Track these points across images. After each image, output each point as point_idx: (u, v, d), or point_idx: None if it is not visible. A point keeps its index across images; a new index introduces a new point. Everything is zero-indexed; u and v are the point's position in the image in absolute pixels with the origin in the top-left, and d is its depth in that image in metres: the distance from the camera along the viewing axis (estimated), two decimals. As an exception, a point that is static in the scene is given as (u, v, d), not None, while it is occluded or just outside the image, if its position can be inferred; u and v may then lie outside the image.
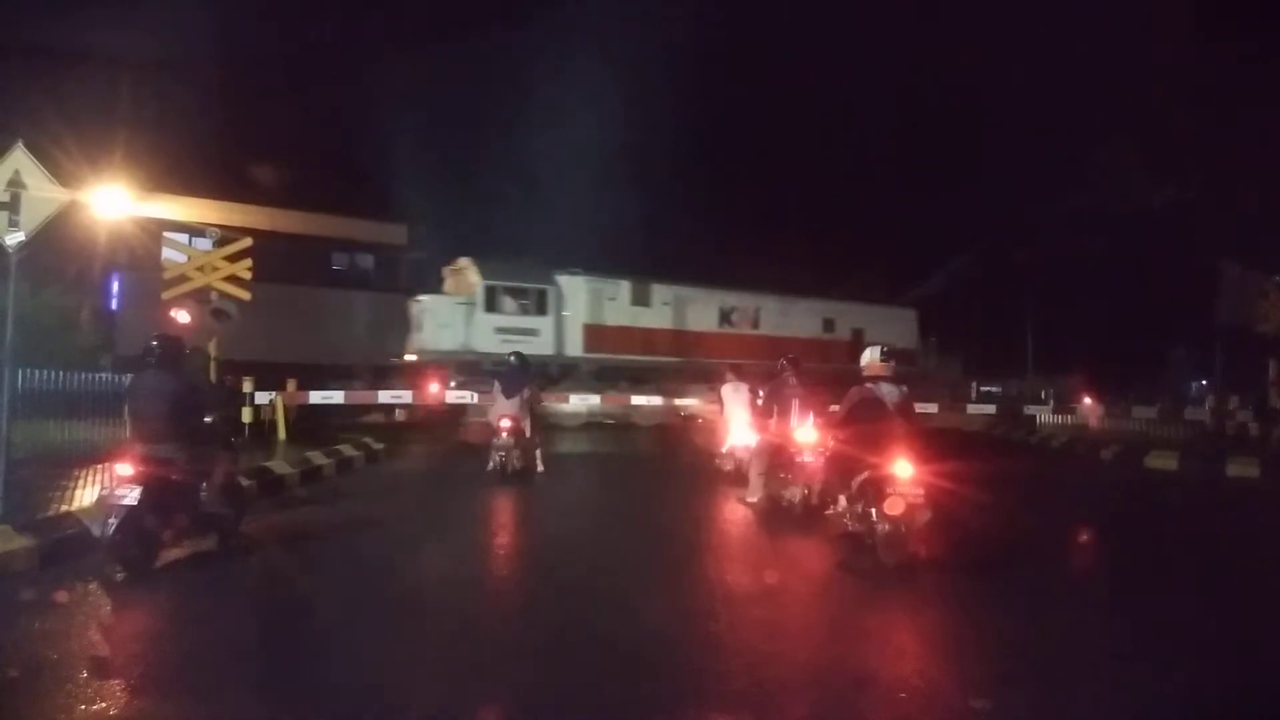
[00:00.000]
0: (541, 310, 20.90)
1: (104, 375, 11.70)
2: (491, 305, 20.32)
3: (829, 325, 25.14)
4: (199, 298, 13.20)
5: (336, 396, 16.17)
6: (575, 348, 21.23)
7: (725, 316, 23.52)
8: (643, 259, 23.94)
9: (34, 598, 5.36)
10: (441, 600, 5.88)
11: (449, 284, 21.45)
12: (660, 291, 22.50)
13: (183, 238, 15.22)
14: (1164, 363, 31.64)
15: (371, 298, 21.99)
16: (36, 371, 9.76)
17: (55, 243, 11.18)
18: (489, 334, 19.97)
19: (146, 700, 3.99)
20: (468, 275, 20.66)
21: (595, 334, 21.38)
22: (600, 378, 20.50)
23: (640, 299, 22.20)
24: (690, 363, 20.42)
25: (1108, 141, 27.55)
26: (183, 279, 13.23)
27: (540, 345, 20.11)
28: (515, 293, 20.72)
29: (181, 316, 12.92)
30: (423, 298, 20.50)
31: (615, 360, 21.25)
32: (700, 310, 23.09)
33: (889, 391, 6.90)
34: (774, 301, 24.37)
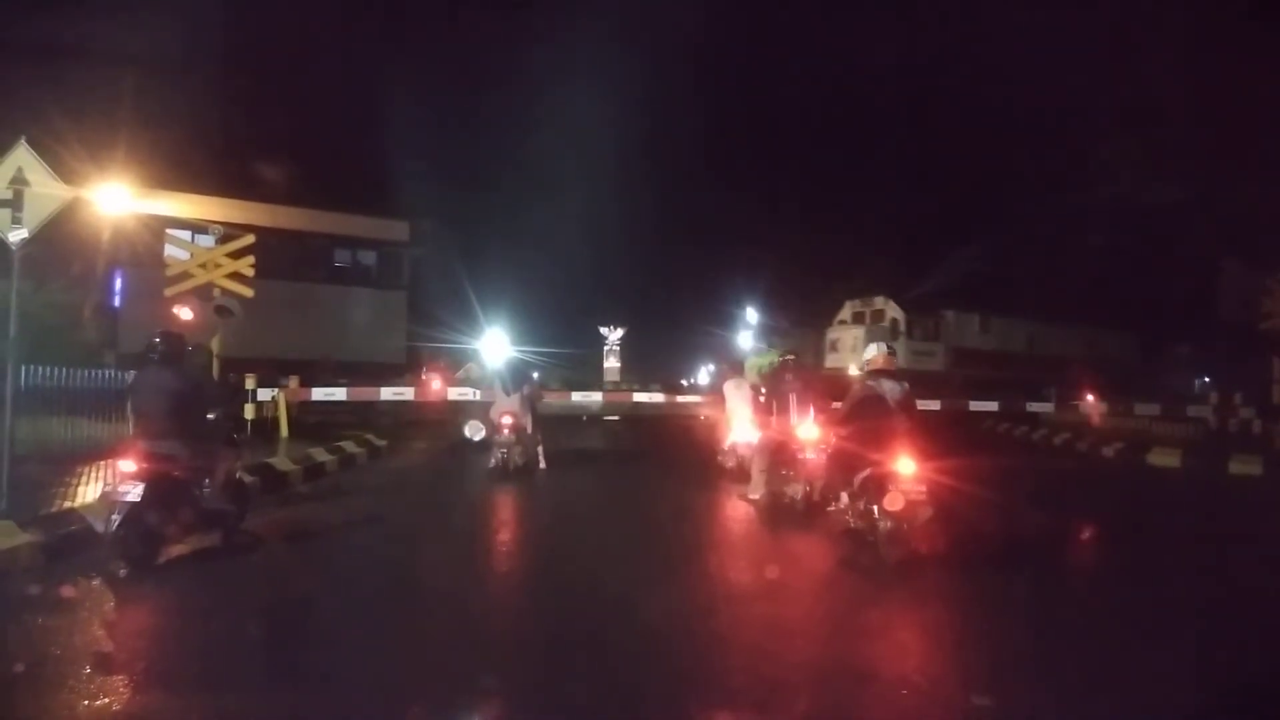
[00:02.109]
0: (936, 337, 26.38)
1: (107, 372, 11.73)
2: (910, 333, 25.66)
3: (1089, 346, 29.81)
4: (202, 294, 13.20)
5: (339, 393, 16.19)
6: (950, 366, 26.36)
7: (1030, 340, 28.55)
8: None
9: (38, 594, 5.37)
10: (443, 596, 5.88)
11: (850, 313, 26.98)
12: (995, 322, 27.81)
13: (185, 234, 15.26)
14: (1167, 360, 31.63)
15: (374, 294, 22.02)
16: (39, 368, 9.78)
17: (58, 240, 11.21)
18: (909, 355, 24.68)
19: (150, 695, 4.00)
20: (886, 310, 26.07)
21: (959, 354, 26.64)
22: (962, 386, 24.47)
23: (984, 328, 27.56)
24: (1007, 375, 25.18)
25: (1111, 138, 27.56)
26: (185, 276, 13.23)
27: (933, 363, 25.54)
28: (922, 323, 26.21)
29: (184, 313, 12.92)
30: (849, 327, 26.38)
31: (970, 374, 25.95)
32: (1016, 336, 28.21)
33: (891, 388, 6.90)
34: (1059, 328, 29.44)
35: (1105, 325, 31.14)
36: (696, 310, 46.85)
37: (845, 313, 27.42)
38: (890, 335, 24.97)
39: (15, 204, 6.99)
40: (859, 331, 25.78)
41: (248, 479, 8.66)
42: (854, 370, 23.52)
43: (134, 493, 6.01)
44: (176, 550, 6.56)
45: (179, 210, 17.53)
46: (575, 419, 21.56)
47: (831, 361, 26.06)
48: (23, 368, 8.32)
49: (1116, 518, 9.64)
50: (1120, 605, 5.84)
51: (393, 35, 45.03)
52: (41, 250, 8.01)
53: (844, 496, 7.14)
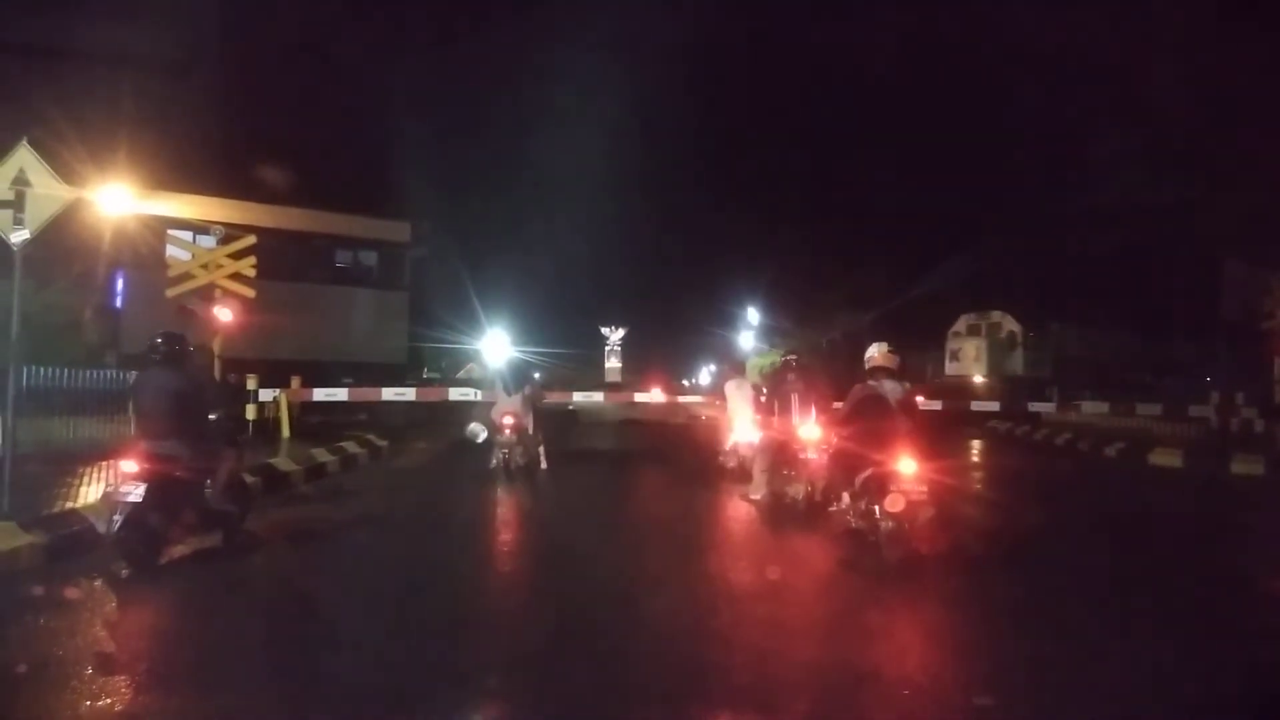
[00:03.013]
0: (1043, 348, 29.18)
1: (108, 373, 11.74)
2: (1025, 344, 28.68)
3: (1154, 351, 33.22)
4: (203, 295, 13.22)
5: (340, 393, 16.20)
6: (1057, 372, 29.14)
7: (1092, 346, 31.64)
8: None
9: (40, 594, 5.37)
10: (445, 596, 5.89)
11: (965, 326, 29.95)
12: (1081, 329, 31.16)
13: (187, 235, 15.28)
14: (1169, 359, 31.77)
15: (375, 295, 22.04)
16: (41, 369, 9.79)
17: (60, 241, 11.21)
18: (1024, 362, 28.45)
19: (152, 696, 4.00)
20: (1003, 323, 29.16)
21: (1062, 362, 29.62)
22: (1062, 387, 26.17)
23: (1075, 337, 30.71)
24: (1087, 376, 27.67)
25: (1113, 138, 27.61)
26: (187, 276, 13.24)
27: (1040, 368, 28.52)
28: (1034, 336, 28.94)
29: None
30: (966, 338, 29.53)
31: (1077, 379, 28.16)
32: (1091, 344, 31.28)
33: (892, 389, 6.90)
34: (1115, 333, 32.71)
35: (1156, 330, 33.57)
36: (698, 310, 46.92)
37: (960, 325, 30.39)
38: (1009, 346, 28.75)
39: (17, 205, 6.99)
40: (980, 342, 29.06)
41: (249, 479, 8.67)
42: (978, 378, 27.90)
43: (136, 493, 6.01)
44: (178, 551, 6.56)
45: (180, 211, 17.53)
46: (576, 419, 21.57)
47: (952, 370, 29.52)
48: (25, 368, 8.33)
49: (1118, 518, 9.64)
50: (1121, 605, 5.83)
51: (394, 36, 45.08)
52: (43, 251, 8.00)
53: (845, 496, 7.13)
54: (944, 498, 6.67)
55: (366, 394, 16.90)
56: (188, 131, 19.78)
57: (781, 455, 9.42)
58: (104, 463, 9.13)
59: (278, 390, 14.68)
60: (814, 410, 9.11)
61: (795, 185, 51.82)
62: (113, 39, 19.36)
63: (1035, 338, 28.79)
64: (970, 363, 28.94)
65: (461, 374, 24.68)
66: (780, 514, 8.89)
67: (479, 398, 16.16)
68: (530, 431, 11.75)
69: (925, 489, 6.38)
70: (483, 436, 12.25)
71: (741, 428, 11.17)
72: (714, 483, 11.11)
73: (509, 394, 11.69)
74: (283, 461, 11.05)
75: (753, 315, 42.73)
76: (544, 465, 12.03)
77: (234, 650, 4.67)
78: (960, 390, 25.69)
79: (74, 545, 6.48)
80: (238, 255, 13.38)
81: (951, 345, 30.41)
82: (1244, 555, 7.68)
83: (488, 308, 26.69)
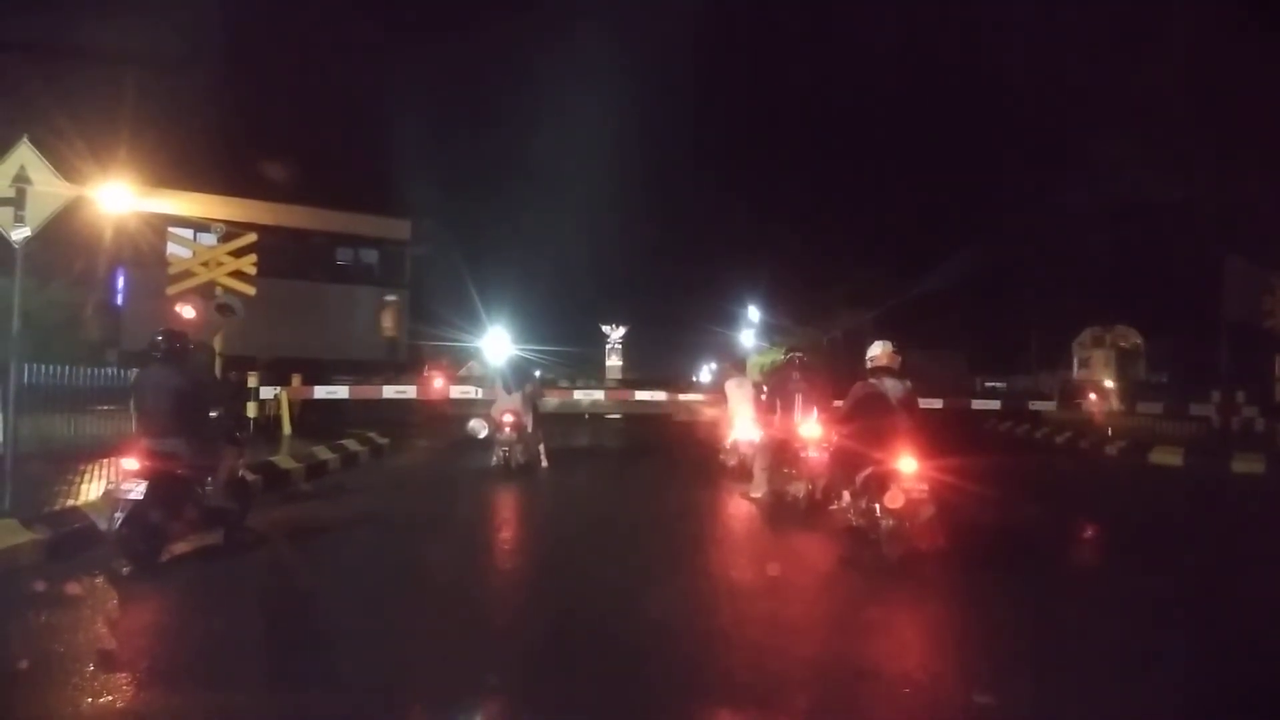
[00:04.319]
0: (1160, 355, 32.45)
1: (109, 370, 11.75)
2: (1146, 355, 32.98)
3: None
4: (204, 293, 13.20)
5: (341, 391, 16.21)
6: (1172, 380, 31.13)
7: (1097, 343, 35.11)
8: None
9: (41, 591, 5.37)
10: (445, 594, 5.89)
11: (1089, 337, 33.92)
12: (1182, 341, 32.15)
13: (188, 233, 15.26)
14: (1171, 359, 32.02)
15: (375, 292, 22.05)
16: (42, 366, 9.80)
17: (61, 238, 11.22)
18: (1148, 371, 32.01)
19: (152, 693, 4.01)
20: (1127, 335, 33.12)
21: (1176, 369, 31.18)
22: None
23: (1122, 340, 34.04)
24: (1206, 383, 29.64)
25: (1113, 136, 27.57)
26: (188, 274, 13.23)
27: (1161, 378, 30.88)
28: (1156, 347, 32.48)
29: (186, 311, 12.91)
30: (1090, 349, 33.84)
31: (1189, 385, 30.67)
32: (1197, 351, 32.89)
33: (893, 387, 6.89)
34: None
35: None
36: (699, 308, 46.93)
37: (1084, 336, 34.34)
38: (1132, 357, 32.50)
39: (18, 202, 6.99)
40: (1107, 352, 33.13)
41: (250, 477, 8.67)
42: (1108, 383, 28.37)
43: (137, 491, 6.01)
44: (179, 548, 6.56)
45: (181, 209, 17.53)
46: (577, 417, 21.59)
47: (1081, 375, 32.75)
48: (26, 366, 8.33)
49: (1119, 516, 9.64)
50: (1121, 603, 5.83)
51: (396, 33, 45.07)
52: (44, 248, 8.01)
53: (846, 495, 7.13)
54: (944, 496, 6.66)
55: (367, 391, 16.91)
56: (189, 129, 19.76)
57: (782, 453, 9.43)
58: (105, 460, 9.14)
59: (278, 388, 14.68)
60: (815, 409, 9.11)
61: (797, 183, 51.78)
62: (114, 36, 19.36)
63: (1161, 349, 31.13)
64: (1100, 369, 32.36)
65: (462, 372, 24.70)
66: (781, 512, 8.90)
67: (480, 395, 16.17)
68: (530, 429, 11.76)
69: (925, 487, 6.38)
70: (484, 433, 12.26)
71: (742, 426, 11.17)
72: (714, 481, 11.12)
73: (509, 392, 11.69)
74: (283, 459, 11.06)
75: (753, 313, 42.71)
76: (544, 463, 12.04)
77: (234, 647, 4.66)
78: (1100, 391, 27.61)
79: (75, 542, 6.48)
80: (238, 253, 13.37)
81: (1079, 354, 34.91)
82: (1244, 554, 7.67)
83: (488, 305, 26.68)
